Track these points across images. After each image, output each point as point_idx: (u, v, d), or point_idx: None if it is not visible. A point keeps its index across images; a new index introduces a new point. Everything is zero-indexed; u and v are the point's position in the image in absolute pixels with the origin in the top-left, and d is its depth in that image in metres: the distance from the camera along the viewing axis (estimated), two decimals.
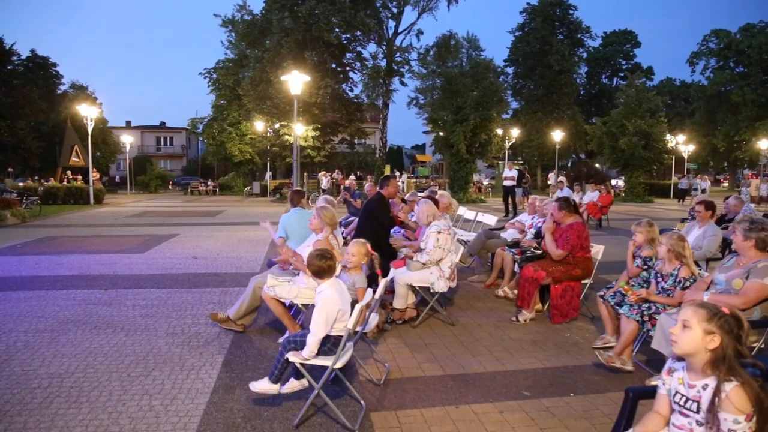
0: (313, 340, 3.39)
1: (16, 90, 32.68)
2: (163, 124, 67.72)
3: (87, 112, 25.88)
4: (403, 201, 8.23)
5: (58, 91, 42.60)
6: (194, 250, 10.61)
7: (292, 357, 3.44)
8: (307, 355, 3.40)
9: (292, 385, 3.64)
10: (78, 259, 9.45)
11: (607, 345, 4.84)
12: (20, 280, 7.67)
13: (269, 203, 28.13)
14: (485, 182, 43.84)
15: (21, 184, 26.61)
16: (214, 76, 41.53)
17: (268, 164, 36.99)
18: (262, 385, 3.57)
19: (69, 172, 33.37)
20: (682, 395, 2.18)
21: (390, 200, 6.90)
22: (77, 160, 29.17)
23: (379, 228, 6.41)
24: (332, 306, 3.48)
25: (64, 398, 3.74)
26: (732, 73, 48.87)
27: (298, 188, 7.90)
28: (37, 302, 6.38)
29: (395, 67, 33.12)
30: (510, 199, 19.49)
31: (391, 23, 33.66)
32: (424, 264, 5.57)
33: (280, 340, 3.61)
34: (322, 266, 3.52)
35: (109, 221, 17.04)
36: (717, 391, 2.05)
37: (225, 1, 37.21)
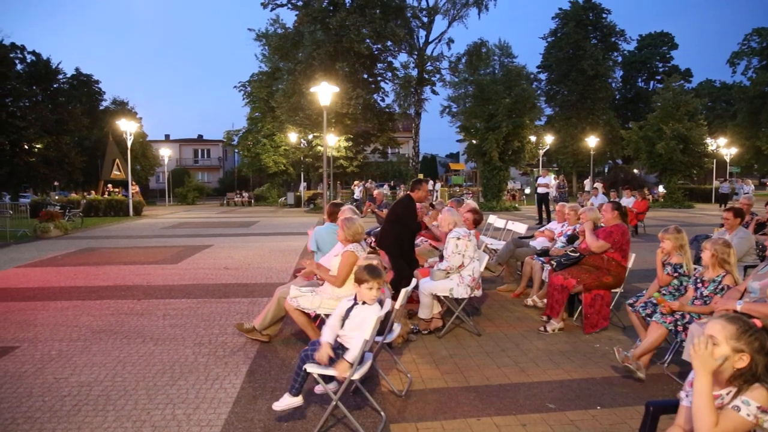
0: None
1: (61, 107, 34.00)
2: (200, 137, 69.27)
3: (127, 126, 26.68)
4: (432, 206, 8.17)
5: (101, 107, 44.13)
6: (226, 261, 10.78)
7: (311, 368, 3.45)
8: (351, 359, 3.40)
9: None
10: (114, 270, 9.71)
11: (638, 372, 4.65)
12: (59, 290, 7.93)
13: (303, 213, 28.41)
14: (527, 190, 42.98)
15: (64, 196, 27.56)
16: (249, 89, 42.33)
17: (302, 175, 37.40)
18: (285, 402, 3.51)
19: (110, 185, 34.41)
20: None
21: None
22: (118, 173, 30.06)
23: (404, 231, 6.29)
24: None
25: (92, 406, 3.83)
26: None
27: (336, 201, 7.76)
28: (72, 312, 6.58)
29: (426, 76, 33.17)
30: (544, 207, 19.20)
31: (422, 32, 33.83)
32: (447, 273, 5.52)
33: (310, 369, 3.59)
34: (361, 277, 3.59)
35: (146, 233, 17.47)
36: (739, 391, 1.97)
37: (259, 15, 38.03)
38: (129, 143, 26.55)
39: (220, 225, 20.65)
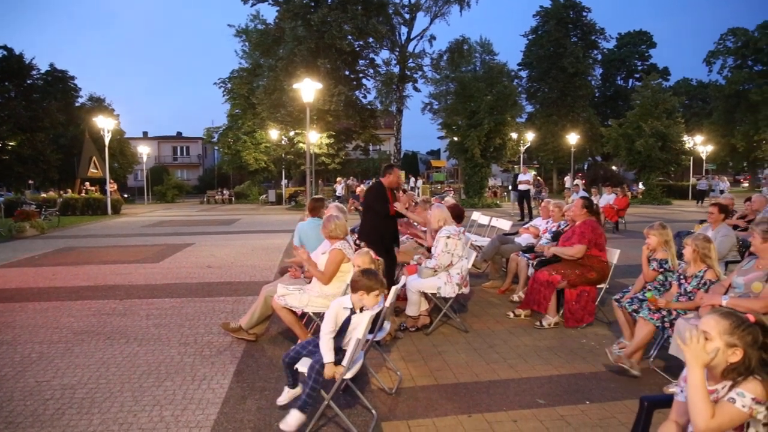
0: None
1: (35, 103, 33.24)
2: (179, 134, 68.41)
3: (104, 123, 26.21)
4: (404, 191, 8.07)
5: (77, 104, 43.23)
6: (209, 259, 10.66)
7: (302, 366, 3.41)
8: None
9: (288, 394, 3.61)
10: (94, 270, 9.54)
11: (631, 371, 4.70)
12: (37, 291, 7.76)
13: (285, 211, 28.23)
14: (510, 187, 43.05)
15: (37, 195, 27.00)
16: (229, 85, 41.95)
17: (283, 172, 37.17)
18: (294, 419, 3.34)
19: (87, 183, 33.83)
20: None
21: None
22: (95, 171, 29.57)
23: (376, 217, 6.34)
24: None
25: (76, 409, 3.74)
26: (750, 71, 48.11)
27: (318, 196, 7.73)
28: (52, 313, 6.44)
29: (408, 73, 33.11)
30: (526, 203, 19.34)
31: (404, 29, 33.72)
32: (435, 270, 5.52)
33: (300, 368, 3.50)
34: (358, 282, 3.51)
35: (126, 231, 17.21)
36: (734, 385, 1.99)
37: (239, 11, 37.67)
38: (107, 140, 26.11)
39: (201, 223, 20.43)
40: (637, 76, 51.92)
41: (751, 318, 2.07)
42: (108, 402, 3.86)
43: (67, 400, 3.89)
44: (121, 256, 11.34)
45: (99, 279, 8.65)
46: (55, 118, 33.87)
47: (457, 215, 6.57)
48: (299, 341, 4.54)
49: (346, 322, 3.52)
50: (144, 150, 42.22)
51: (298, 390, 3.50)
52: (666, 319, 4.23)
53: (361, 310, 3.50)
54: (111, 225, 19.83)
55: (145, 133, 65.62)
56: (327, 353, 3.35)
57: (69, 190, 32.37)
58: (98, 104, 42.60)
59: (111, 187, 27.60)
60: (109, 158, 27.23)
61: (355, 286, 3.49)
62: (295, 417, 3.32)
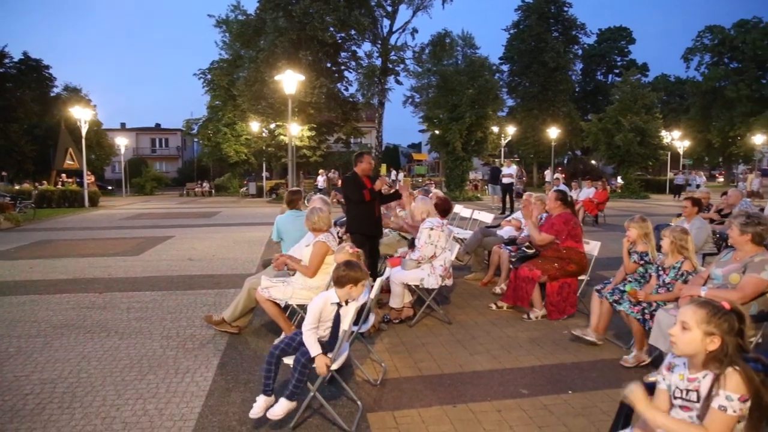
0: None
1: (8, 93, 32.60)
2: (158, 125, 67.53)
3: (81, 114, 25.73)
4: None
5: (52, 94, 42.43)
6: (190, 252, 10.56)
7: (288, 359, 3.40)
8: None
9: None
10: (72, 263, 9.39)
11: (585, 337, 4.86)
12: (13, 285, 7.60)
13: (265, 204, 28.06)
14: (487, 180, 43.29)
15: (9, 186, 26.46)
16: (209, 76, 41.36)
17: (264, 165, 36.89)
18: (282, 408, 3.29)
19: (63, 175, 33.24)
20: (682, 390, 2.15)
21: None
22: (71, 162, 29.06)
23: (356, 207, 6.36)
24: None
25: (57, 404, 3.69)
26: (726, 68, 49.02)
27: (295, 188, 7.72)
28: (30, 307, 6.33)
29: (390, 66, 33.08)
30: (508, 197, 19.46)
31: (386, 22, 33.64)
32: (418, 262, 5.54)
33: (288, 361, 3.45)
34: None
35: (104, 224, 16.96)
36: (716, 379, 2.02)
37: (219, 1, 37.19)
38: (83, 131, 25.65)
39: (181, 215, 20.21)
40: (617, 71, 52.47)
41: (726, 306, 2.12)
42: (90, 396, 3.82)
43: (48, 395, 3.83)
44: (99, 248, 11.18)
45: (77, 272, 8.52)
46: (30, 109, 33.29)
47: (445, 210, 6.57)
48: (283, 334, 4.54)
49: (337, 318, 3.48)
50: (122, 141, 41.51)
51: (272, 399, 3.41)
52: (646, 311, 4.31)
53: (347, 302, 3.49)
54: (89, 217, 19.53)
55: (123, 125, 64.65)
56: (313, 347, 3.32)
57: (45, 182, 31.76)
58: (74, 94, 41.76)
59: (88, 179, 27.15)
60: (86, 150, 26.74)
61: (341, 281, 3.43)
62: (282, 405, 3.29)
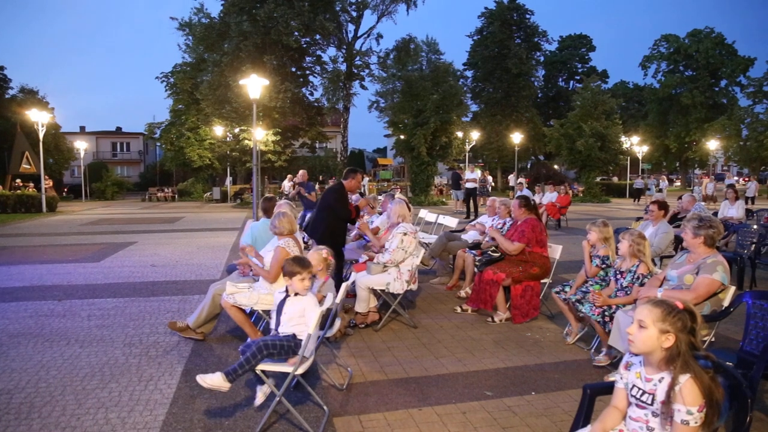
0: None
1: None
2: (119, 129, 65.97)
3: (38, 117, 24.94)
4: (361, 194, 8.18)
5: (6, 96, 40.99)
6: (152, 258, 10.37)
7: (264, 366, 3.37)
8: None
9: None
10: (29, 270, 9.11)
11: (598, 364, 4.81)
12: None
13: (230, 209, 27.70)
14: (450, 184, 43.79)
15: None
16: (172, 80, 40.60)
17: (228, 169, 36.43)
18: (214, 380, 3.25)
19: (18, 180, 32.15)
20: (639, 389, 2.24)
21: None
22: (28, 167, 28.15)
23: (334, 219, 6.31)
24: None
25: (14, 415, 3.59)
26: (681, 76, 50.80)
27: (269, 195, 7.62)
28: None
29: (355, 71, 33.14)
30: (472, 201, 19.72)
31: (351, 27, 33.73)
32: (384, 266, 5.58)
33: (264, 367, 3.46)
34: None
35: (63, 230, 16.48)
36: (672, 384, 2.11)
37: (182, 4, 36.65)
38: (41, 135, 24.89)
39: (143, 221, 19.79)
40: (578, 78, 53.66)
41: (680, 305, 2.22)
42: (49, 406, 3.73)
43: (3, 406, 3.73)
44: (58, 255, 10.88)
45: (35, 279, 8.28)
46: None
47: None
48: (249, 339, 4.51)
49: (281, 305, 3.63)
50: (81, 145, 40.38)
51: (266, 388, 3.52)
52: (606, 313, 4.45)
53: (296, 294, 3.61)
54: (47, 223, 18.95)
55: (82, 128, 62.89)
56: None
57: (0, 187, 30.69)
58: (31, 96, 40.41)
59: (46, 183, 26.34)
60: (43, 153, 25.94)
61: (287, 273, 3.61)
62: (215, 378, 3.24)
